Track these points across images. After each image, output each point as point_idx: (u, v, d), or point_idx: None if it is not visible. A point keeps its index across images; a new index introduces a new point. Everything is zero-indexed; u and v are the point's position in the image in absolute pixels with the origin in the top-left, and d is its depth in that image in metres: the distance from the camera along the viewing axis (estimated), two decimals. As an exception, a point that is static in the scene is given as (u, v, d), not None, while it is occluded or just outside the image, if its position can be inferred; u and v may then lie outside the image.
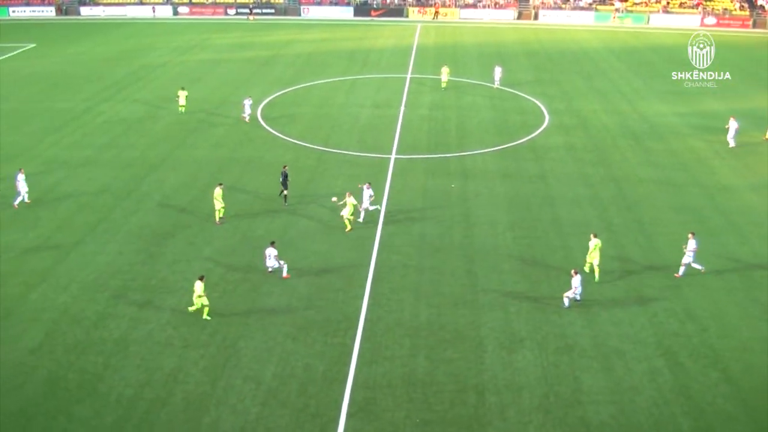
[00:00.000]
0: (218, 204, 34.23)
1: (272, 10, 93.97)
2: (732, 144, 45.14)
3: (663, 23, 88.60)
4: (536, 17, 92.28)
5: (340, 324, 26.45)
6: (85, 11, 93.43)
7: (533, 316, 27.03)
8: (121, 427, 21.36)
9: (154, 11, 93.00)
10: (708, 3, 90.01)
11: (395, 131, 47.90)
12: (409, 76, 63.26)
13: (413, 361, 24.41)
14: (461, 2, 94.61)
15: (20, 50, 73.56)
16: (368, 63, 68.62)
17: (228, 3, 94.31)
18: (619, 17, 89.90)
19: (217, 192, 34.25)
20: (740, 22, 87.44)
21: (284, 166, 36.85)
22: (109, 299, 27.89)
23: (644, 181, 40.05)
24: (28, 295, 28.15)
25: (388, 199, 37.06)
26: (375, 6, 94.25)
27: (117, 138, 46.54)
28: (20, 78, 62.16)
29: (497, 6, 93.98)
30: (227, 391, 22.89)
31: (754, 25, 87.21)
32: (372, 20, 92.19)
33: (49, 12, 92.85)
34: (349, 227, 33.46)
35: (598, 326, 26.46)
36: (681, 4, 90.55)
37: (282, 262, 29.36)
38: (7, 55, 71.20)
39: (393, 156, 43.32)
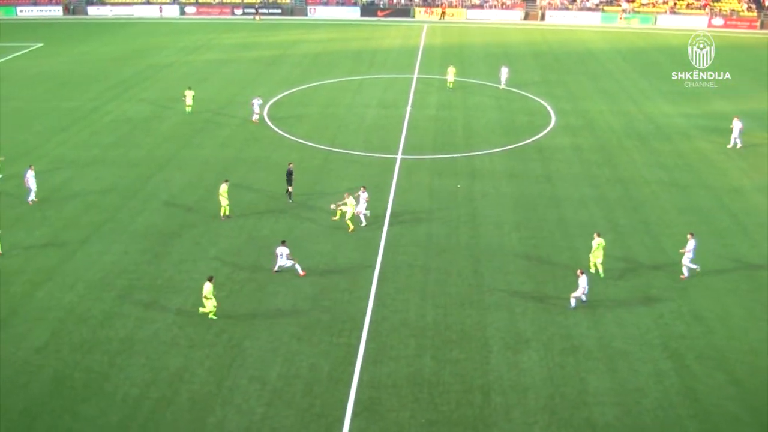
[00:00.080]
0: (224, 201, 34.34)
1: (279, 10, 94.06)
2: (739, 144, 45.00)
3: (670, 24, 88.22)
4: (543, 18, 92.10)
5: (345, 324, 26.46)
6: (93, 11, 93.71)
7: (539, 317, 27.00)
8: (127, 426, 21.41)
9: (161, 11, 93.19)
10: (715, 4, 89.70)
11: (402, 131, 47.89)
12: (415, 76, 63.23)
13: (419, 362, 24.40)
14: (468, 3, 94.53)
15: (28, 50, 73.81)
16: (375, 63, 68.59)
17: (235, 3, 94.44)
18: (626, 18, 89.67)
19: (223, 188, 34.35)
20: (748, 23, 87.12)
21: (290, 164, 37.07)
22: (115, 298, 27.97)
23: (650, 182, 39.95)
24: (34, 294, 28.24)
25: (394, 199, 37.05)
26: (382, 6, 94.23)
27: (124, 137, 46.67)
28: (28, 77, 62.37)
29: (504, 6, 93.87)
30: (233, 390, 22.92)
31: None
32: (379, 20, 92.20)
33: (56, 11, 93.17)
34: (351, 227, 33.45)
35: (604, 327, 26.42)
36: (688, 5, 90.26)
37: (294, 260, 29.42)
38: (14, 55, 71.46)
39: (399, 156, 43.30)
